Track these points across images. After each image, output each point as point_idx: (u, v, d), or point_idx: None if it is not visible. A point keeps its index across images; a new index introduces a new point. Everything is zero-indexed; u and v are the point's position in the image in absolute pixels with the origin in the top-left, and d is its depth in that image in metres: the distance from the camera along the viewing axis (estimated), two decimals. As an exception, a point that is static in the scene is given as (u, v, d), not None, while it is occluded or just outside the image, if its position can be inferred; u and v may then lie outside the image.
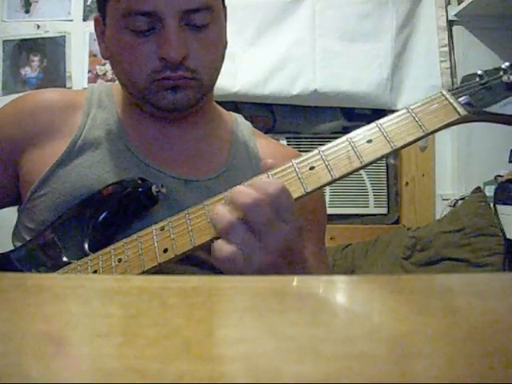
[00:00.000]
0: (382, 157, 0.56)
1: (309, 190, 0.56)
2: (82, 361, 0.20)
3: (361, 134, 0.57)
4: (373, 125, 0.58)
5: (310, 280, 0.34)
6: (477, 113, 0.57)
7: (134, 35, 0.68)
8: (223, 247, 0.52)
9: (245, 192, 0.53)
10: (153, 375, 0.18)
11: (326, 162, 0.56)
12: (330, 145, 0.58)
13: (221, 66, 0.75)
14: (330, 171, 0.56)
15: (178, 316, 0.26)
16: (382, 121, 0.58)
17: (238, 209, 0.53)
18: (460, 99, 0.57)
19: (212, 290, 0.31)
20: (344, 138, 0.58)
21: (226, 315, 0.27)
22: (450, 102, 0.57)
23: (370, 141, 0.57)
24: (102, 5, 0.72)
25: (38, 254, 0.70)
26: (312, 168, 0.57)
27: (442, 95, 0.58)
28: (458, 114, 0.56)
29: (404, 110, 0.58)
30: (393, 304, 0.28)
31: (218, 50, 0.73)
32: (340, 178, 0.56)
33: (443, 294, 0.31)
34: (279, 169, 0.58)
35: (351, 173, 0.56)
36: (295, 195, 0.56)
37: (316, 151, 0.58)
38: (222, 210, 0.54)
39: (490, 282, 0.34)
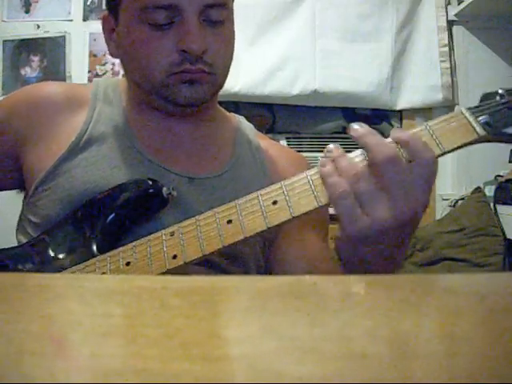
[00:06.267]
0: None
1: (323, 203, 0.55)
2: (82, 361, 0.20)
3: None
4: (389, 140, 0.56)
5: (311, 280, 0.34)
6: (495, 133, 0.56)
7: (152, 29, 0.69)
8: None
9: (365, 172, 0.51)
10: (153, 375, 0.18)
11: None
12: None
13: (231, 64, 0.76)
14: None
15: (179, 316, 0.26)
16: None
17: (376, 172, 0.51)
18: (479, 118, 0.56)
19: (213, 290, 0.31)
20: (359, 151, 0.56)
21: (226, 315, 0.27)
22: (469, 121, 0.55)
23: None
24: (115, 1, 0.72)
25: (43, 253, 0.70)
26: None
27: (462, 113, 0.56)
28: (477, 133, 0.55)
29: (422, 127, 0.56)
30: (393, 304, 0.28)
31: (231, 47, 0.74)
32: None
33: (443, 294, 0.31)
34: (291, 180, 0.57)
35: None
36: (308, 208, 0.55)
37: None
38: (335, 180, 0.53)
39: (490, 281, 0.34)
